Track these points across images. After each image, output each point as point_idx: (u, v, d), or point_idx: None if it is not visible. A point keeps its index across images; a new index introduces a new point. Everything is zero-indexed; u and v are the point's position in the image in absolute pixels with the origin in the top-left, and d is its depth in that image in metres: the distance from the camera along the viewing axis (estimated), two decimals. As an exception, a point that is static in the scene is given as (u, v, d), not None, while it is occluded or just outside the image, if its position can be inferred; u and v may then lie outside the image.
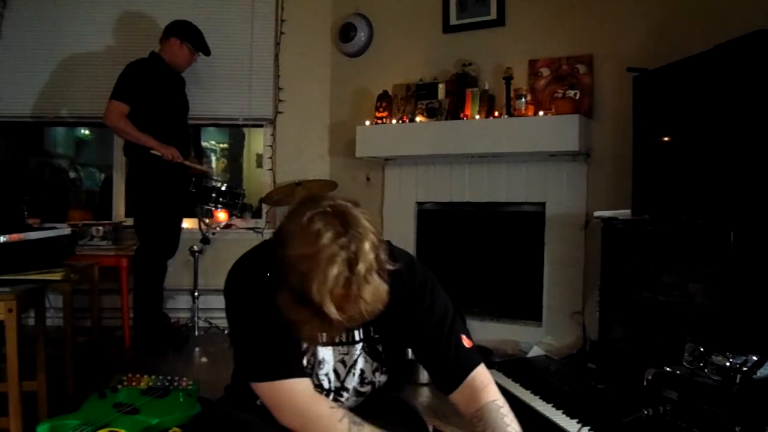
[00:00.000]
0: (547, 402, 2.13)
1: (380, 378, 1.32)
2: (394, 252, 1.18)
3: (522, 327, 3.31)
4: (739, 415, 1.59)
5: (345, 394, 1.30)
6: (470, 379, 1.23)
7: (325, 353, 1.27)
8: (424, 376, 2.68)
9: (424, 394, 2.56)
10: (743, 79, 2.04)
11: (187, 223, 3.77)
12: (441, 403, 2.44)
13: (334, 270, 0.98)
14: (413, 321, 1.25)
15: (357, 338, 1.28)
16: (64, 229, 2.38)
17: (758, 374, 1.64)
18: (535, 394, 2.22)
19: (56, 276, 2.13)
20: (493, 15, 3.41)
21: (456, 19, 3.54)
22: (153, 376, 2.14)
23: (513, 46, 3.34)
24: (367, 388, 1.31)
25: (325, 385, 1.28)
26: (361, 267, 1.00)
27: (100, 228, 3.67)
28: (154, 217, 3.24)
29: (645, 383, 1.90)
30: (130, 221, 3.79)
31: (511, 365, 2.62)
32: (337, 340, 1.27)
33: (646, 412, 1.81)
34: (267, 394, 1.19)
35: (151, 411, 1.84)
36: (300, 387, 1.18)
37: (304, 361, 1.26)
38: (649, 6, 2.92)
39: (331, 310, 1.00)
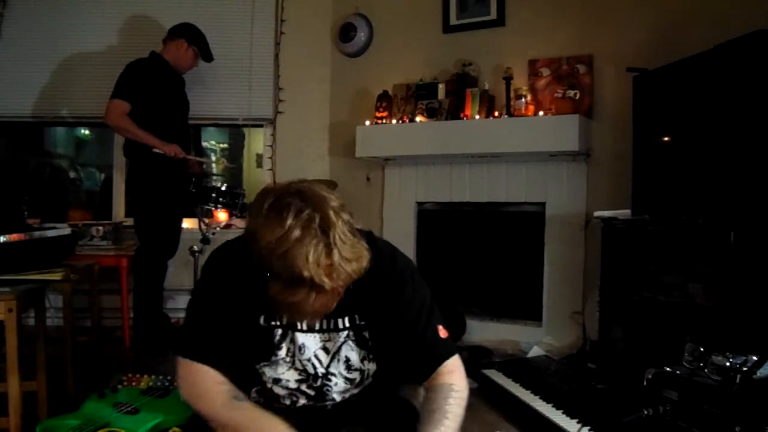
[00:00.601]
0: (547, 402, 2.13)
1: (369, 366, 1.32)
2: (374, 238, 1.24)
3: (522, 327, 3.31)
4: (739, 415, 1.59)
5: (333, 379, 1.30)
6: (442, 366, 1.26)
7: (305, 339, 1.28)
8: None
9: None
10: (743, 79, 2.04)
11: (187, 223, 3.77)
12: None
13: (312, 241, 1.02)
14: (394, 307, 1.27)
15: (341, 326, 1.29)
16: (64, 229, 2.38)
17: (758, 374, 1.64)
18: (535, 394, 2.23)
19: (56, 276, 2.13)
20: (493, 15, 3.41)
21: (456, 19, 3.54)
22: (153, 376, 2.14)
23: (513, 46, 3.34)
24: (355, 375, 1.31)
25: (310, 370, 1.29)
26: (333, 231, 1.04)
27: (100, 228, 3.67)
28: (154, 217, 3.24)
29: (645, 383, 1.90)
30: (130, 221, 3.79)
31: (511, 365, 2.63)
32: (317, 327, 1.28)
33: (646, 412, 1.81)
34: (178, 367, 1.23)
35: (151, 411, 1.84)
36: (204, 371, 1.20)
37: (284, 350, 1.27)
38: (649, 6, 2.92)
39: (324, 281, 1.03)
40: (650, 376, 1.89)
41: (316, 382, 1.30)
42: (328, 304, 1.12)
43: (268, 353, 1.27)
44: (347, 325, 1.29)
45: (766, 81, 1.96)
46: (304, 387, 1.30)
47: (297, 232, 1.01)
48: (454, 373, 1.26)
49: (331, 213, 1.05)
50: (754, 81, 2.00)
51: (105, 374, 2.60)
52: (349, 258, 1.05)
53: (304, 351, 1.27)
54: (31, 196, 4.04)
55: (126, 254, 3.47)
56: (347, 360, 1.30)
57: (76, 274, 2.36)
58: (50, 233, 2.26)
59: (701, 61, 2.24)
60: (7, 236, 2.01)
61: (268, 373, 1.28)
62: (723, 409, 1.63)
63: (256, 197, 1.12)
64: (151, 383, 2.11)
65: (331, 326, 1.28)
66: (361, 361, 1.31)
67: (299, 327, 1.27)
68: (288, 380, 1.29)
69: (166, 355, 3.17)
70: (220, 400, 1.17)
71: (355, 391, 1.35)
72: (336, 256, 1.03)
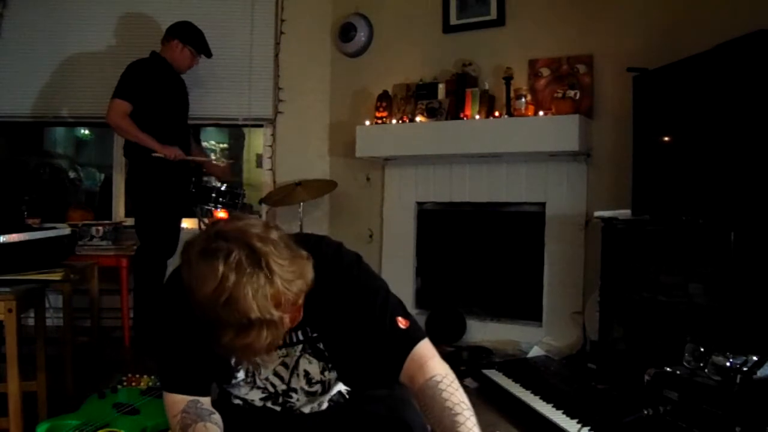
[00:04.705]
0: (548, 402, 2.13)
1: (330, 375, 1.31)
2: (319, 243, 1.23)
3: (522, 327, 3.31)
4: (739, 415, 1.59)
5: (294, 395, 1.30)
6: (409, 360, 1.19)
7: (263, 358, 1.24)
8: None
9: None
10: (744, 79, 2.04)
11: (187, 223, 3.77)
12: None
13: (250, 279, 0.97)
14: (346, 309, 1.21)
15: (295, 340, 1.26)
16: (64, 229, 2.38)
17: (758, 374, 1.65)
18: (536, 395, 2.23)
19: (56, 276, 2.12)
20: (493, 15, 3.40)
21: (456, 19, 3.54)
22: (153, 376, 2.14)
23: (513, 46, 3.34)
24: (316, 387, 1.30)
25: (270, 389, 1.29)
26: (265, 259, 0.99)
27: (100, 228, 3.67)
28: (154, 217, 3.24)
29: (645, 383, 1.90)
30: (130, 221, 3.79)
31: (511, 365, 2.63)
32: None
33: (646, 412, 1.81)
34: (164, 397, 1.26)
35: (151, 411, 1.84)
36: (171, 399, 1.22)
37: (242, 373, 1.26)
38: (649, 6, 2.92)
39: (273, 313, 0.99)
40: (650, 376, 1.89)
41: (278, 399, 1.30)
42: (279, 335, 1.06)
43: (228, 377, 1.27)
44: (300, 338, 1.26)
45: (766, 81, 1.96)
46: (269, 404, 1.31)
47: (232, 276, 0.97)
48: (427, 364, 1.18)
49: (256, 242, 0.99)
50: (754, 81, 2.00)
51: (105, 374, 2.60)
52: (291, 278, 1.01)
53: (261, 371, 1.27)
54: (31, 196, 4.04)
55: (126, 254, 3.47)
56: (306, 374, 1.28)
57: (76, 274, 2.36)
58: (50, 233, 2.26)
59: (701, 61, 2.24)
60: (6, 236, 2.01)
61: (234, 392, 1.31)
62: (723, 409, 1.63)
63: (183, 250, 1.06)
64: (151, 383, 2.11)
65: (287, 341, 1.25)
66: (321, 372, 1.29)
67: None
68: (253, 399, 1.31)
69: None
70: (174, 428, 1.20)
71: (324, 402, 1.34)
72: (278, 282, 0.99)
